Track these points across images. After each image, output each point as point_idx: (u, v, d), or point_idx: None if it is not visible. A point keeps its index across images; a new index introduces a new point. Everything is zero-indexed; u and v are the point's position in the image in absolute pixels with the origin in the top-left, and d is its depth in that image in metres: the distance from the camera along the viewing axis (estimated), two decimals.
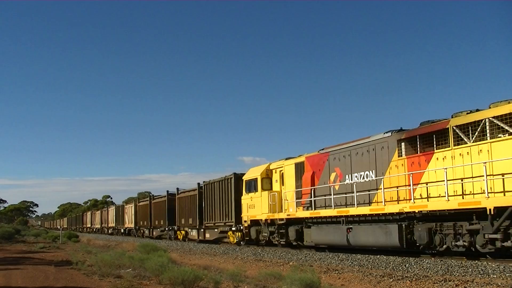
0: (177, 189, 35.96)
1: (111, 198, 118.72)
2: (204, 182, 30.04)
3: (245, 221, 23.92)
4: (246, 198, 23.96)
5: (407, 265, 13.01)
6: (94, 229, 71.04)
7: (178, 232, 35.44)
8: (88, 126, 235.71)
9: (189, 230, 33.07)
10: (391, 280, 10.90)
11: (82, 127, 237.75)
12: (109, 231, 60.01)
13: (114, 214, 57.40)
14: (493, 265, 11.44)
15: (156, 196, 42.46)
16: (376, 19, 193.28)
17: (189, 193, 33.03)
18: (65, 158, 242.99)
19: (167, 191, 38.17)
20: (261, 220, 22.32)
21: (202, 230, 30.41)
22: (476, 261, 12.47)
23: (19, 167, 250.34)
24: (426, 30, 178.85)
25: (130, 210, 49.37)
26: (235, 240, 25.69)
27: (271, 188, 22.34)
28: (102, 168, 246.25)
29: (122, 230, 52.72)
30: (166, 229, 37.39)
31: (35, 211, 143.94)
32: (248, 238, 23.97)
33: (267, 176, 22.73)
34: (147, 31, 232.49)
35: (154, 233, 41.43)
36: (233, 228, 25.45)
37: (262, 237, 22.80)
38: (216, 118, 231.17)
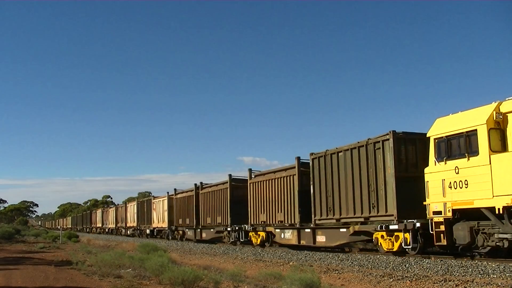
0: (250, 170, 24.63)
1: (111, 198, 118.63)
2: (312, 154, 19.28)
3: (437, 213, 13.60)
4: (441, 171, 13.62)
5: (407, 265, 13.01)
6: (107, 230, 59.93)
7: (252, 233, 23.92)
8: (88, 126, 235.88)
9: (278, 230, 21.52)
10: (391, 280, 10.92)
11: (82, 127, 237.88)
12: (128, 232, 48.80)
13: (135, 211, 46.09)
14: (493, 265, 11.45)
15: (206, 184, 30.77)
16: (376, 17, 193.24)
17: (277, 174, 21.96)
18: (65, 158, 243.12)
19: (230, 175, 26.56)
20: (495, 208, 12.05)
21: (308, 230, 19.31)
22: (476, 261, 12.46)
23: (19, 167, 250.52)
24: (426, 29, 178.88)
25: (160, 205, 38.44)
26: (396, 247, 15.11)
27: (504, 148, 12.40)
28: (102, 168, 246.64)
29: (148, 231, 41.67)
30: (229, 229, 26.03)
31: (35, 211, 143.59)
32: (440, 243, 13.50)
33: (498, 127, 12.66)
34: (147, 29, 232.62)
35: (203, 234, 30.10)
36: (393, 226, 15.00)
37: (491, 240, 12.46)
38: (216, 118, 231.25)
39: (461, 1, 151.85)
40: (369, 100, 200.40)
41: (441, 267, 12.04)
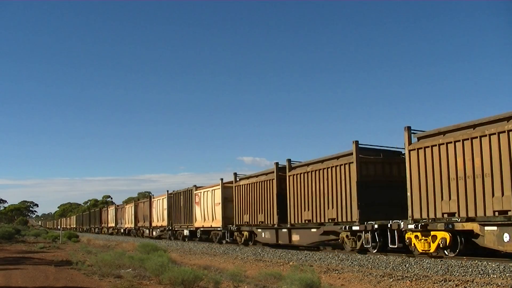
0: (409, 129, 15.11)
1: (111, 198, 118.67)
2: None
3: None
4: None
5: (407, 265, 13.01)
6: (123, 230, 50.74)
7: (414, 235, 14.55)
8: (88, 126, 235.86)
9: (493, 229, 12.25)
10: (391, 280, 10.92)
11: (82, 127, 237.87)
12: (154, 233, 39.60)
13: (165, 206, 36.38)
14: (493, 265, 11.45)
15: (296, 162, 20.80)
16: (377, 17, 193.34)
17: (479, 130, 12.69)
18: (65, 158, 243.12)
19: (356, 142, 16.66)
20: None
21: None
22: (476, 261, 12.47)
23: (19, 167, 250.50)
24: (426, 29, 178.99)
25: (209, 197, 28.29)
26: None
27: None
28: (102, 168, 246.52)
29: (185, 232, 32.01)
30: (355, 228, 16.40)
31: (35, 211, 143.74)
32: None
33: None
34: (147, 29, 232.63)
35: (295, 237, 20.17)
36: None
37: None
38: (216, 118, 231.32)
39: (461, 1, 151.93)
40: (370, 100, 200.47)
41: (441, 267, 12.04)
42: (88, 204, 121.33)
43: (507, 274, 10.39)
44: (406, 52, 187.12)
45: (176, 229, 34.31)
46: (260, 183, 23.10)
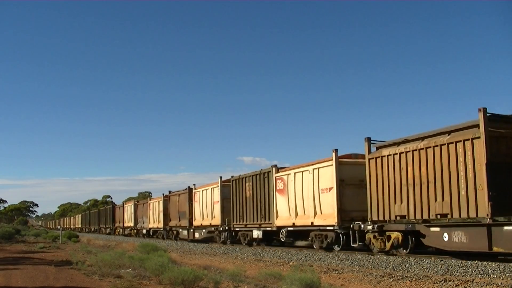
0: None
1: (111, 198, 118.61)
2: None
3: None
4: None
5: (407, 265, 13.00)
6: (146, 231, 41.49)
7: None
8: (88, 125, 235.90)
9: None
10: (391, 280, 10.92)
11: (82, 127, 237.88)
12: (196, 235, 30.31)
13: (217, 199, 27.13)
14: (493, 265, 11.45)
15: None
16: (377, 17, 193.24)
17: None
18: (65, 158, 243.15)
19: None
20: None
21: None
22: (476, 261, 12.47)
23: (19, 167, 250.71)
24: (426, 29, 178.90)
25: (305, 181, 19.28)
26: None
27: None
28: (102, 168, 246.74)
29: (255, 234, 23.14)
30: None
31: (35, 211, 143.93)
32: None
33: None
34: (147, 28, 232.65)
35: None
36: None
37: None
38: (216, 118, 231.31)
39: (461, 1, 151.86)
40: (370, 100, 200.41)
41: (441, 267, 12.03)
42: (88, 204, 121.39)
43: (507, 274, 10.39)
44: (406, 52, 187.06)
45: (237, 229, 25.24)
46: (434, 149, 13.56)
